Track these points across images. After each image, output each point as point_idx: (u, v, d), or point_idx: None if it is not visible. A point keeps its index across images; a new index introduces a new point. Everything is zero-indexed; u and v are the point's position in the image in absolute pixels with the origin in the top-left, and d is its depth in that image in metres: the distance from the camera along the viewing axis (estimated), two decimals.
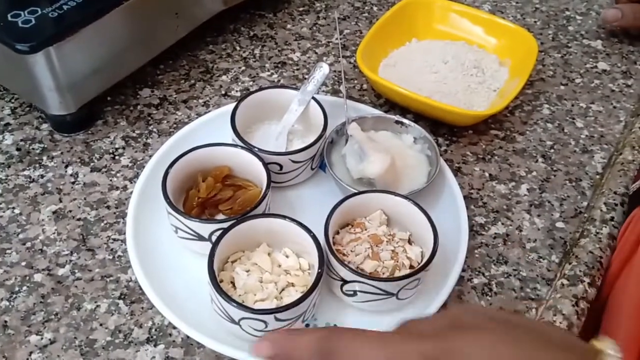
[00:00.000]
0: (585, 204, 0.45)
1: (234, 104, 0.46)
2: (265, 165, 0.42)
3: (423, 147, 0.45)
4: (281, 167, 0.43)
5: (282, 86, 0.52)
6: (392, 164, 0.42)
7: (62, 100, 0.45)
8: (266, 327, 0.34)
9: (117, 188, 0.46)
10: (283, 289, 0.38)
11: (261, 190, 0.41)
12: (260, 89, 0.47)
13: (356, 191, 0.41)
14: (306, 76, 0.54)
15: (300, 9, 0.60)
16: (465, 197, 0.44)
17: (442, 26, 0.55)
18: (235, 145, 0.43)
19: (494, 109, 0.47)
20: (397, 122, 0.46)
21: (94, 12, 0.44)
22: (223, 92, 0.53)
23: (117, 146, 0.48)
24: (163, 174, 0.40)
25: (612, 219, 0.42)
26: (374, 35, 0.52)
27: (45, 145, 0.48)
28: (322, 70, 0.46)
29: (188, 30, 0.52)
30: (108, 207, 0.44)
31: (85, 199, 0.45)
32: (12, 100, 0.51)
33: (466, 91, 0.50)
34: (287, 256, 0.39)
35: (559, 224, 0.44)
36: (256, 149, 0.43)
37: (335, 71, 0.54)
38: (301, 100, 0.46)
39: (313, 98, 0.46)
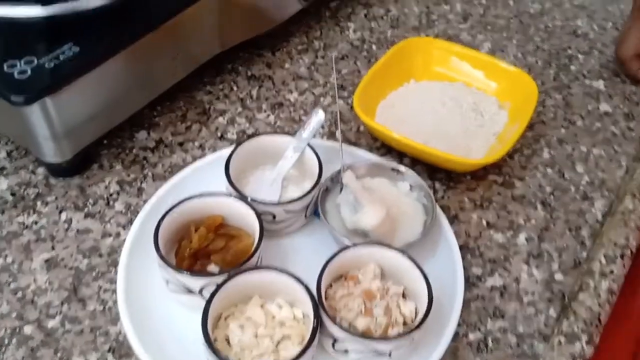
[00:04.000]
0: (585, 254, 0.45)
1: (229, 149, 0.47)
2: (259, 215, 0.42)
3: (419, 195, 0.46)
4: (274, 216, 0.44)
5: (278, 132, 0.52)
6: (387, 215, 0.42)
7: (57, 148, 0.46)
8: None
9: (110, 235, 0.46)
10: (279, 342, 0.38)
11: (254, 240, 0.42)
12: (255, 134, 0.48)
13: (350, 244, 0.41)
14: (303, 117, 0.55)
15: (299, 47, 0.61)
16: (461, 247, 0.44)
17: (441, 68, 0.56)
18: (229, 195, 0.44)
19: (492, 157, 0.48)
20: (393, 169, 0.47)
21: (91, 61, 0.44)
22: (219, 135, 0.53)
23: (111, 191, 0.49)
24: (155, 226, 0.41)
25: (611, 272, 0.42)
26: (371, 77, 0.52)
27: (40, 190, 0.49)
28: (318, 117, 0.47)
29: (186, 73, 0.53)
30: (100, 255, 0.45)
31: (78, 246, 0.45)
32: (8, 143, 0.52)
33: (465, 135, 0.51)
34: (280, 307, 0.39)
35: (558, 276, 0.44)
36: (249, 199, 0.43)
37: (332, 112, 0.55)
38: (296, 147, 0.47)
39: (308, 145, 0.47)
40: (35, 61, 0.43)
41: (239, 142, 0.46)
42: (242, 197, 0.43)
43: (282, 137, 0.47)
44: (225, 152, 0.47)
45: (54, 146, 0.45)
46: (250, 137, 0.47)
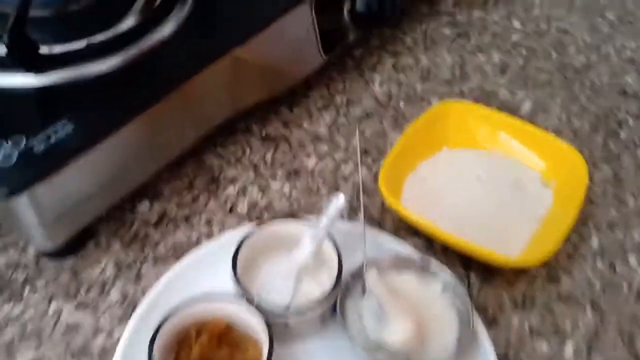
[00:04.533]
0: None
1: (238, 232, 0.41)
2: (269, 324, 0.37)
3: (453, 297, 0.40)
4: (287, 325, 0.38)
5: (293, 219, 0.46)
6: (416, 329, 0.37)
7: (47, 235, 0.41)
8: None
9: (103, 331, 0.41)
10: None
11: (262, 351, 0.36)
12: (267, 222, 0.42)
13: None
14: (321, 187, 0.50)
15: (319, 103, 0.56)
16: (500, 358, 0.38)
17: (478, 134, 0.50)
18: (235, 299, 0.38)
19: (538, 256, 0.41)
20: (422, 265, 0.41)
21: (87, 141, 0.39)
22: (229, 208, 0.48)
23: (107, 275, 0.44)
24: (150, 337, 0.36)
25: None
26: (399, 151, 0.47)
27: (30, 273, 0.44)
28: (339, 204, 0.41)
29: (195, 140, 0.48)
30: (91, 356, 0.40)
31: (67, 344, 0.40)
32: None
33: (503, 218, 0.45)
34: None
35: None
36: (258, 302, 0.38)
37: (354, 182, 0.49)
38: (314, 237, 0.41)
39: (327, 235, 0.41)
40: (24, 142, 0.38)
41: (247, 234, 0.41)
42: (250, 300, 0.38)
43: (298, 225, 0.42)
44: (235, 233, 0.42)
45: (44, 233, 0.40)
46: (262, 224, 0.42)
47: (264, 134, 0.53)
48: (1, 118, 0.40)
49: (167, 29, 0.45)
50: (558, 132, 0.53)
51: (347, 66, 0.58)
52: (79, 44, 0.43)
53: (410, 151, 0.48)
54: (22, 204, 0.38)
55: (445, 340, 0.38)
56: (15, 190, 0.36)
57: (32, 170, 0.37)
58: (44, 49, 0.41)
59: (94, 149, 0.39)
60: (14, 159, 0.37)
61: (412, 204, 0.45)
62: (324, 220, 0.41)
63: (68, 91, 0.41)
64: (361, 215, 0.43)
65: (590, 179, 0.50)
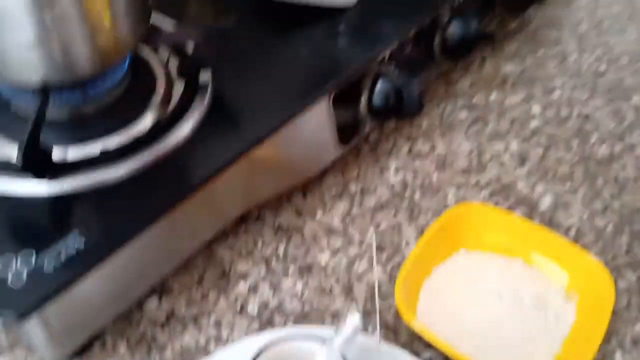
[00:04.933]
0: None
1: (248, 342, 0.40)
2: None
3: None
4: None
5: (305, 335, 0.43)
6: None
7: (54, 348, 0.39)
8: None
9: None
10: None
11: None
12: (277, 340, 0.40)
13: None
14: (334, 286, 0.48)
15: (333, 190, 0.54)
16: None
17: (497, 238, 0.48)
18: None
19: None
20: None
21: (100, 256, 0.38)
22: (239, 308, 0.46)
23: None
24: None
25: None
26: (414, 259, 0.45)
27: None
28: (354, 323, 0.40)
29: (210, 236, 0.47)
30: None
31: None
32: None
33: (524, 339, 0.43)
34: None
35: None
36: None
37: (368, 282, 0.48)
38: (328, 357, 0.39)
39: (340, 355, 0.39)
40: (34, 258, 0.37)
41: (258, 352, 0.39)
42: None
43: (311, 344, 0.40)
44: (244, 343, 0.41)
45: (51, 346, 0.39)
46: (270, 343, 0.40)
47: (276, 223, 0.52)
48: (10, 229, 0.39)
49: (184, 129, 0.44)
50: (579, 233, 0.51)
51: (362, 150, 0.57)
52: (93, 148, 0.42)
53: (427, 254, 0.46)
54: (30, 323, 0.36)
55: None
56: (25, 313, 0.35)
57: (42, 291, 0.36)
58: (56, 153, 0.40)
59: (105, 264, 0.38)
60: (24, 278, 0.36)
61: (428, 318, 0.43)
62: (338, 339, 0.40)
63: (80, 200, 0.40)
64: (377, 331, 0.41)
65: (614, 287, 0.48)
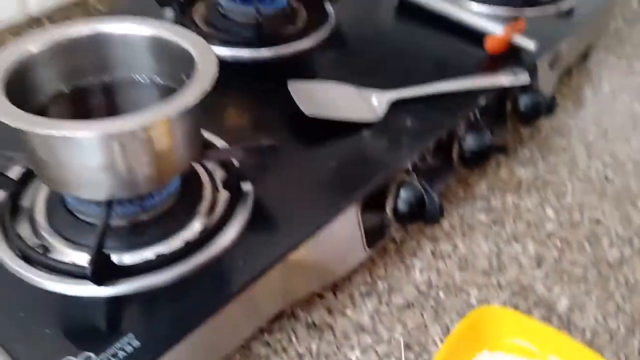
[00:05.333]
0: None
1: None
2: None
3: None
4: None
5: None
6: None
7: None
8: None
9: None
10: None
11: None
12: None
13: None
14: None
15: (362, 288, 0.57)
16: None
17: (517, 341, 0.50)
18: None
19: None
20: None
21: (153, 355, 0.41)
22: None
23: None
24: None
25: None
26: (442, 357, 0.48)
27: None
28: None
29: (249, 333, 0.50)
30: None
31: None
32: None
33: None
34: None
35: None
36: None
37: None
38: None
39: None
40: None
41: None
42: None
43: None
44: None
45: None
46: None
47: (309, 321, 0.55)
48: (69, 330, 0.42)
49: (228, 236, 0.48)
50: (594, 333, 0.53)
51: (388, 250, 0.61)
52: (147, 253, 0.46)
53: (452, 355, 0.49)
54: None
55: None
56: None
57: None
58: (114, 258, 0.44)
59: None
60: None
61: None
62: None
63: (135, 302, 0.44)
64: None
65: None
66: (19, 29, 0.76)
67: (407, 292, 0.57)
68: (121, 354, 0.40)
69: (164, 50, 0.50)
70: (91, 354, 0.40)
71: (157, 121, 0.43)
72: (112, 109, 0.52)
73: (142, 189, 0.46)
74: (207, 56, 0.47)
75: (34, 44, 0.47)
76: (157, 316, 0.44)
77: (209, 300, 0.45)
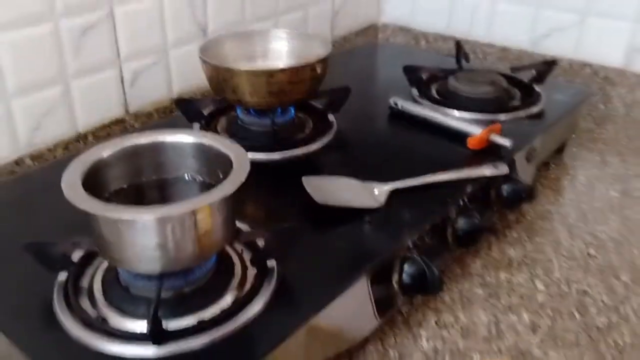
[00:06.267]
0: None
1: None
2: None
3: None
4: None
5: None
6: None
7: None
8: None
9: None
10: None
11: None
12: None
13: None
14: None
15: (375, 355, 0.61)
16: None
17: None
18: None
19: None
20: None
21: None
22: None
23: None
24: None
25: None
26: None
27: None
28: None
29: None
30: None
31: None
32: None
33: None
34: None
35: None
36: None
37: None
38: None
39: None
40: None
41: None
42: None
43: None
44: None
45: None
46: None
47: None
48: None
49: (257, 306, 0.54)
50: None
51: (396, 322, 0.65)
52: (189, 321, 0.52)
53: None
54: None
55: None
56: None
57: None
58: (163, 324, 0.51)
59: None
60: None
61: None
62: None
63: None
64: None
65: None
66: (69, 143, 0.88)
67: (416, 358, 0.62)
68: None
69: (206, 154, 0.60)
70: None
71: (203, 206, 0.52)
72: (162, 201, 0.62)
73: (187, 264, 0.53)
74: (241, 156, 0.57)
75: (105, 151, 0.58)
76: None
77: (246, 356, 0.51)
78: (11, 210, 0.71)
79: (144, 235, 0.50)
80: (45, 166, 0.83)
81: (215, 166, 0.59)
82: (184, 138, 0.61)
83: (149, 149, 0.60)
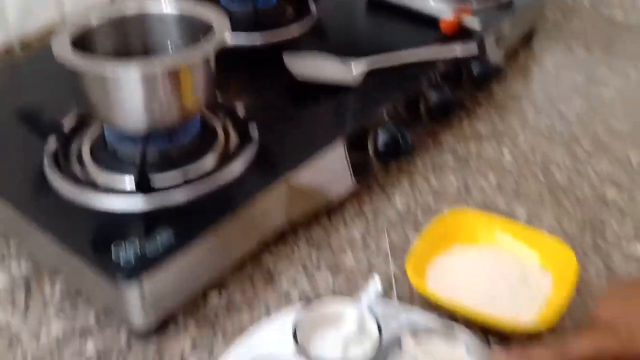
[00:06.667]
0: None
1: (292, 311, 0.49)
2: None
3: (477, 358, 0.46)
4: None
5: (338, 296, 0.54)
6: None
7: (145, 317, 0.49)
8: None
9: None
10: None
11: None
12: (318, 300, 0.50)
13: None
14: (359, 280, 0.58)
15: (352, 214, 0.65)
16: None
17: (484, 236, 0.58)
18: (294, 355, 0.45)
19: (545, 323, 0.49)
20: (449, 331, 0.48)
21: (182, 243, 0.50)
22: (283, 296, 0.56)
23: (185, 349, 0.50)
24: None
25: None
26: (420, 246, 0.55)
27: (122, 350, 0.50)
28: (375, 286, 0.49)
29: (255, 244, 0.58)
30: None
31: None
32: (94, 310, 0.54)
33: (511, 298, 0.52)
34: None
35: None
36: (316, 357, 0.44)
37: (387, 275, 0.57)
38: (356, 311, 0.48)
39: (367, 307, 0.48)
40: (137, 243, 0.49)
41: (302, 306, 0.49)
42: (308, 356, 0.44)
43: (343, 301, 0.49)
44: (289, 313, 0.49)
45: (142, 314, 0.49)
46: (313, 301, 0.49)
47: (308, 238, 0.62)
48: (121, 228, 0.51)
49: (238, 166, 0.57)
50: (552, 234, 0.61)
51: (372, 187, 0.69)
52: (174, 176, 0.55)
53: (428, 248, 0.56)
54: (133, 292, 0.47)
55: None
56: (132, 281, 0.47)
57: (143, 266, 0.48)
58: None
59: (184, 253, 0.50)
60: (132, 259, 0.48)
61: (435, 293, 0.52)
62: (364, 297, 0.49)
63: (167, 211, 0.53)
64: (394, 293, 0.50)
65: (585, 268, 0.58)
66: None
67: (390, 215, 0.65)
68: (159, 243, 0.49)
69: (189, 24, 0.61)
70: (135, 240, 0.49)
71: (186, 60, 0.54)
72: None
73: (171, 122, 0.56)
74: (222, 21, 0.58)
75: (93, 19, 0.59)
76: (185, 221, 0.52)
77: (226, 208, 0.54)
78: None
79: (129, 88, 0.52)
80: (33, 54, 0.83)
81: (198, 37, 0.60)
82: (167, 9, 0.62)
83: (135, 20, 0.61)
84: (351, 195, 0.66)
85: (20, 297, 0.55)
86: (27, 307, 0.54)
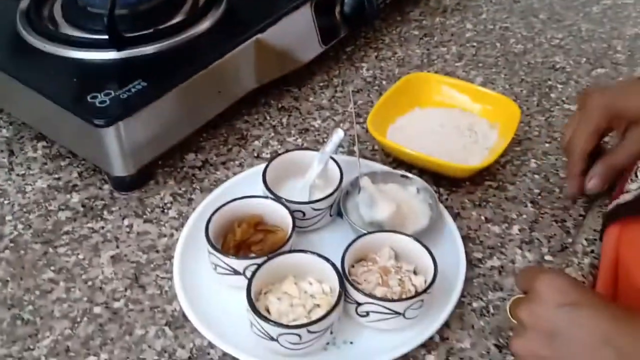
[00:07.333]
0: (570, 240, 0.49)
1: (264, 165, 0.52)
2: (291, 212, 0.47)
3: (425, 197, 0.50)
4: (304, 214, 0.48)
5: (305, 148, 0.58)
6: (397, 210, 0.47)
7: (124, 164, 0.52)
8: (300, 339, 0.39)
9: (165, 235, 0.51)
10: (310, 310, 0.42)
11: (287, 232, 0.46)
12: (287, 151, 0.54)
13: (367, 232, 0.46)
14: (326, 139, 0.61)
15: (321, 84, 0.67)
16: (463, 237, 0.48)
17: (441, 97, 0.61)
18: (266, 197, 0.49)
19: (486, 162, 0.53)
20: (402, 176, 0.52)
21: (155, 94, 0.52)
22: (255, 155, 0.59)
23: (166, 201, 0.54)
24: (206, 221, 0.46)
25: (592, 251, 0.45)
26: (382, 105, 0.58)
27: (106, 202, 0.54)
28: (338, 134, 0.52)
29: (228, 104, 0.60)
30: (157, 252, 0.50)
31: (138, 245, 0.50)
32: (79, 166, 0.58)
33: (463, 150, 0.56)
34: (311, 284, 0.43)
35: (547, 257, 0.48)
36: (283, 200, 0.48)
37: (350, 135, 0.60)
38: (321, 160, 0.52)
39: (331, 157, 0.52)
40: (112, 94, 0.50)
41: (272, 157, 0.52)
42: (277, 199, 0.49)
43: (309, 152, 0.53)
44: (261, 167, 0.53)
45: (122, 162, 0.52)
46: (281, 153, 0.53)
47: (279, 106, 0.65)
48: (96, 80, 0.53)
49: (206, 24, 0.58)
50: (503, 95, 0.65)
51: (341, 58, 0.71)
52: (144, 30, 0.55)
53: (390, 108, 0.59)
54: (110, 137, 0.50)
55: (420, 221, 0.48)
56: (108, 122, 0.49)
57: (119, 110, 0.50)
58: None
59: (158, 102, 0.51)
60: (107, 102, 0.50)
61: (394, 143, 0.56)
62: (328, 147, 0.52)
63: (140, 62, 0.54)
64: (356, 147, 0.54)
65: (529, 125, 0.62)
66: None
67: (357, 83, 0.68)
68: (133, 90, 0.51)
69: None
70: (111, 91, 0.51)
71: None
72: None
73: None
74: None
75: None
76: (157, 71, 0.54)
77: (196, 62, 0.55)
78: None
79: None
80: None
81: None
82: None
83: None
84: (321, 68, 0.68)
85: (4, 159, 0.58)
86: (11, 167, 0.57)
